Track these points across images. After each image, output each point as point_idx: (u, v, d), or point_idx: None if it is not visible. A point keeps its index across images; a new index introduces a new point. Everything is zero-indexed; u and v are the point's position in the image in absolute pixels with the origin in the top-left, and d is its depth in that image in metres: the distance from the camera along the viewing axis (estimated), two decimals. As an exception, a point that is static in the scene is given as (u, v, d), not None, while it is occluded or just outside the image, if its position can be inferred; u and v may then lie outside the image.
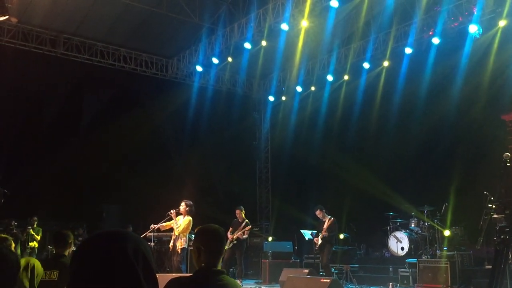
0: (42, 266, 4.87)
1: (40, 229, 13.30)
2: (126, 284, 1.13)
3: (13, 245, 10.54)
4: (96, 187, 15.26)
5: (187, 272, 8.93)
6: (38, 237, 13.14)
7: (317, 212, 11.09)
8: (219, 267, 2.77)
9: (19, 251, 10.64)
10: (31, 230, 12.91)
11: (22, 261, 4.67)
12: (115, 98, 16.23)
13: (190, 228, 9.28)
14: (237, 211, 11.33)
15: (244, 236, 11.09)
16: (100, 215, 16.10)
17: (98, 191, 15.44)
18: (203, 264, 2.74)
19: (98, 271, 1.13)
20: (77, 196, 14.75)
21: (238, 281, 11.05)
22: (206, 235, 2.90)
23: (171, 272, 9.28)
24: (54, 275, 4.76)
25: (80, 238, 13.05)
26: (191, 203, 9.36)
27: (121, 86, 16.29)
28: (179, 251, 9.14)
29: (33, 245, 12.96)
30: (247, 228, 11.15)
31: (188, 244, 9.29)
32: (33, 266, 4.76)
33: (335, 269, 11.32)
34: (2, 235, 5.52)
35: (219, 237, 2.89)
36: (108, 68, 15.25)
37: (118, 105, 15.81)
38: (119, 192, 15.63)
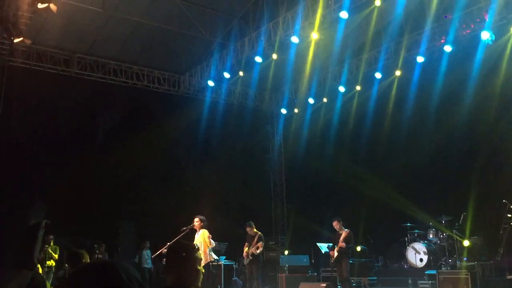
0: (59, 285, 4.91)
1: (58, 248, 13.34)
2: None
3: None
4: (112, 204, 15.32)
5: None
6: (56, 256, 13.18)
7: (335, 223, 10.98)
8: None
9: (40, 271, 10.68)
10: (48, 249, 12.95)
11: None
12: (129, 115, 16.38)
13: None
14: (247, 228, 11.29)
15: (258, 251, 11.00)
16: (116, 232, 16.13)
17: (114, 208, 15.49)
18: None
19: None
20: (93, 214, 14.81)
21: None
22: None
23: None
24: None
25: (100, 256, 13.05)
26: (204, 218, 9.48)
27: (134, 103, 16.44)
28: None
29: (50, 264, 13.00)
30: (259, 244, 11.07)
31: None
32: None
33: (353, 282, 11.16)
34: None
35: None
36: (121, 86, 15.43)
37: (132, 122, 15.94)
38: (135, 208, 15.67)
